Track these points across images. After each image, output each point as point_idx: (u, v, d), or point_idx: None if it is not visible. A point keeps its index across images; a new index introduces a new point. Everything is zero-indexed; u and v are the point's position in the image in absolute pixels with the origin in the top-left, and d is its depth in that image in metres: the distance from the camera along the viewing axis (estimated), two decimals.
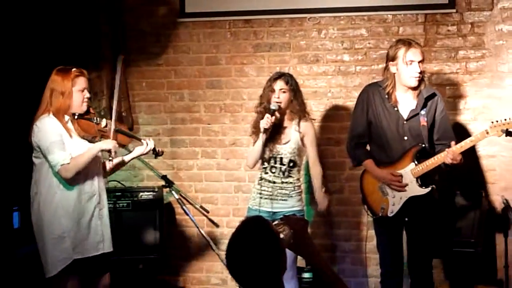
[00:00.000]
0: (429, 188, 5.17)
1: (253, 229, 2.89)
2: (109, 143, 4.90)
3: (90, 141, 4.98)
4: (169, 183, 6.51)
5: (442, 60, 6.35)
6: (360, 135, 5.41)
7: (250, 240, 2.85)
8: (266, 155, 5.48)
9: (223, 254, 6.48)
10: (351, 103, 6.43)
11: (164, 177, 6.53)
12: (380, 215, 5.33)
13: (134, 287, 6.39)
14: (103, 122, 5.01)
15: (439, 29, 6.36)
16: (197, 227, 6.58)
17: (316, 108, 6.50)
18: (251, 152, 5.58)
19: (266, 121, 5.32)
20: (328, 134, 6.55)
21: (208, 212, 6.64)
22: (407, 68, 5.13)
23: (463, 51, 6.33)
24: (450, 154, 5.01)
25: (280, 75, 5.54)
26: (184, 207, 6.56)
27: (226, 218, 6.74)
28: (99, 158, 5.03)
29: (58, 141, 4.78)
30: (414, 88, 5.21)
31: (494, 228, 6.14)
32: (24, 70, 6.20)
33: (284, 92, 5.47)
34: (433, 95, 5.25)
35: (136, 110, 6.86)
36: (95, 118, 4.98)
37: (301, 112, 5.52)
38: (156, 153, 5.29)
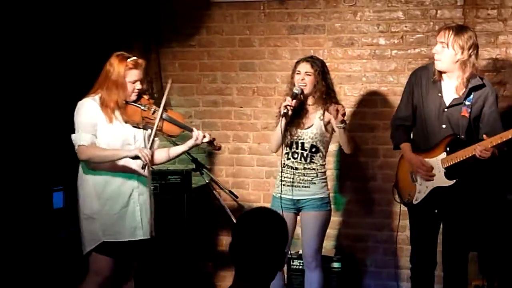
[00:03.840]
0: (453, 181, 4.98)
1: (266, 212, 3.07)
2: (133, 152, 4.74)
3: (134, 127, 4.87)
4: (199, 167, 6.42)
5: (482, 45, 5.98)
6: (403, 118, 5.28)
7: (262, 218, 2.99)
8: (288, 140, 5.39)
9: None
10: (385, 88, 6.31)
11: (194, 160, 6.43)
12: (406, 201, 5.25)
13: (162, 270, 6.36)
14: (152, 109, 4.90)
15: (478, 12, 6.11)
16: (227, 212, 6.47)
17: (350, 92, 6.36)
18: (272, 136, 5.54)
19: (286, 104, 5.21)
20: (361, 120, 6.38)
21: (237, 197, 6.56)
22: None
23: (503, 36, 6.08)
24: (480, 147, 4.81)
25: (306, 58, 5.43)
26: (214, 191, 6.48)
27: (256, 203, 6.62)
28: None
29: (88, 123, 4.73)
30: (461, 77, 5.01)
31: None
32: (66, 53, 6.22)
33: (309, 75, 5.33)
34: (481, 86, 5.03)
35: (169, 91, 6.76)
36: (145, 105, 4.87)
37: (328, 99, 5.37)
38: (213, 147, 5.12)
